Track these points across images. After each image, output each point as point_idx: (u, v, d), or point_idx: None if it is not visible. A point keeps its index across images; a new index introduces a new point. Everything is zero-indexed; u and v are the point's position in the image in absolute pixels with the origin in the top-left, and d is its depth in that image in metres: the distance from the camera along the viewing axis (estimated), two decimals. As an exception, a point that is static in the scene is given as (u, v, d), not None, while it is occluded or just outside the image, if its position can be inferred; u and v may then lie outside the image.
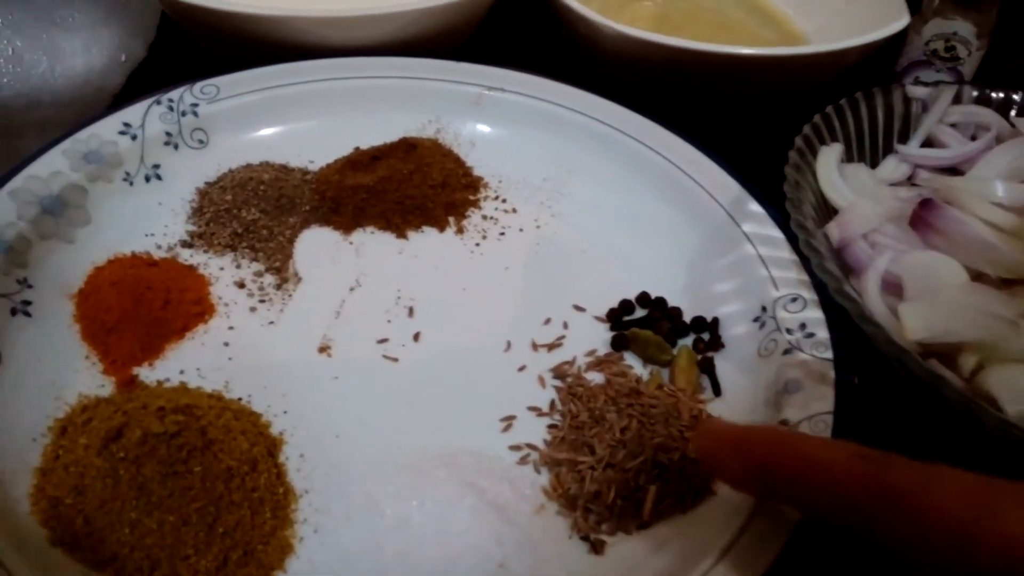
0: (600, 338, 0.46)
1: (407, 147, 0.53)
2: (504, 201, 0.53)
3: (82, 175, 0.47)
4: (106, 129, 0.49)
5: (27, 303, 0.42)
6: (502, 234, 0.51)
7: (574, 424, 0.41)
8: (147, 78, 0.59)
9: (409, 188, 0.51)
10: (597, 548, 0.37)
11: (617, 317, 0.47)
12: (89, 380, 0.41)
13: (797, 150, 0.47)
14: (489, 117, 0.55)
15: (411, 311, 0.46)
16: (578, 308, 0.47)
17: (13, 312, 0.42)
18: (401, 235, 0.50)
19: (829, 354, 0.40)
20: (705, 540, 0.34)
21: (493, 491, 0.39)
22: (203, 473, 0.36)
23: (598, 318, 0.47)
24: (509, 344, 0.45)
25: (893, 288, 0.43)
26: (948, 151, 0.50)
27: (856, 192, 0.47)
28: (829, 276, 0.40)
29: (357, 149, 0.54)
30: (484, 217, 0.52)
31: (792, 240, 0.45)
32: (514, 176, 0.54)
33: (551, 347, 0.45)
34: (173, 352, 0.43)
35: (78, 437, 0.37)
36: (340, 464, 0.39)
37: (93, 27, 0.60)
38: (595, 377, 0.44)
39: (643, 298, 0.47)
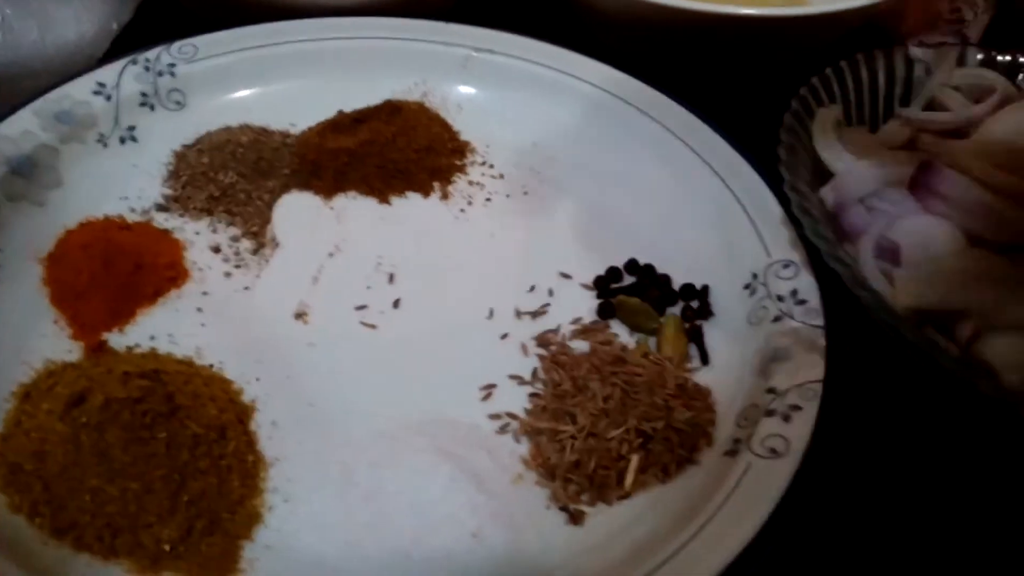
0: (586, 306, 0.44)
1: (391, 110, 0.52)
2: (491, 166, 0.51)
3: (54, 135, 0.45)
4: (79, 89, 0.47)
5: (-7, 266, 0.41)
6: (488, 200, 0.50)
7: (556, 393, 0.40)
8: (131, 41, 0.57)
9: (392, 152, 0.50)
10: (576, 518, 0.36)
11: (604, 284, 0.45)
12: (57, 345, 0.40)
13: (793, 112, 0.45)
14: (477, 80, 0.54)
15: (391, 278, 0.45)
16: (564, 275, 0.46)
17: (-21, 275, 0.41)
18: (384, 200, 0.49)
19: (820, 321, 0.39)
20: (685, 511, 0.33)
21: (470, 460, 0.37)
22: (168, 440, 0.35)
23: (585, 285, 0.45)
24: (492, 312, 0.44)
25: (889, 254, 0.41)
26: (951, 114, 0.48)
27: (854, 155, 0.45)
28: (822, 240, 0.38)
29: (340, 112, 0.52)
30: (470, 183, 0.50)
31: (786, 206, 0.43)
32: (502, 141, 0.52)
33: (535, 315, 0.44)
34: (144, 317, 0.42)
35: (41, 402, 0.36)
36: (314, 432, 0.38)
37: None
38: (580, 345, 0.42)
39: (631, 265, 0.46)
